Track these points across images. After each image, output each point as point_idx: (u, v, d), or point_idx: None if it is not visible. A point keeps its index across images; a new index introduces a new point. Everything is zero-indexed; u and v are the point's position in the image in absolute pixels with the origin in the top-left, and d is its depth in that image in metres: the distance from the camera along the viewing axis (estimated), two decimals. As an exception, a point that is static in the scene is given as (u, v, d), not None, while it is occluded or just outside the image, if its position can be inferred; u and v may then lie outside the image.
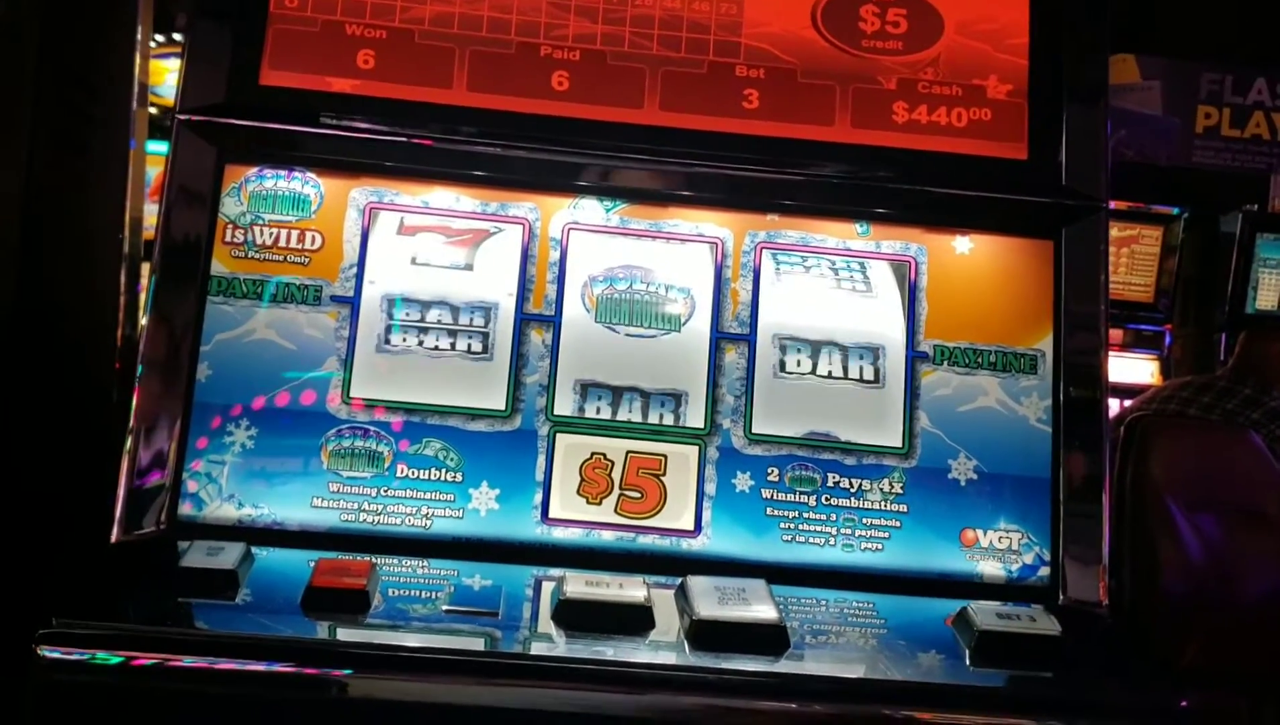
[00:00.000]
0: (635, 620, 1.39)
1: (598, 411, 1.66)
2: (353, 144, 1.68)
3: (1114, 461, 3.19)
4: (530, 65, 1.71)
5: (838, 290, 1.73)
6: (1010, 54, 1.76)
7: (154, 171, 2.30)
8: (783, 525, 1.64)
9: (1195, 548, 3.14)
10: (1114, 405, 4.77)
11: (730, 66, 1.73)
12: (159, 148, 2.33)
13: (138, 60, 2.03)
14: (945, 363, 1.71)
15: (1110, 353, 1.75)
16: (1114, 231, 5.55)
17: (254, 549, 1.50)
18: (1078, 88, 1.75)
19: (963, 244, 1.75)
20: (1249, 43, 6.23)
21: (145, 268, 1.92)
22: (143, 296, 2.03)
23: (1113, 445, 3.24)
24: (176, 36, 5.26)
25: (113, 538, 1.54)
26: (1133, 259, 5.65)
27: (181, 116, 1.65)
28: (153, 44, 2.19)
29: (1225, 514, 3.20)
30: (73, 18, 1.93)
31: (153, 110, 2.27)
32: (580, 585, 1.42)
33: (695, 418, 1.67)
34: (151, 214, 1.93)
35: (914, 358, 1.71)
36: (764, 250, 1.73)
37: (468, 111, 1.69)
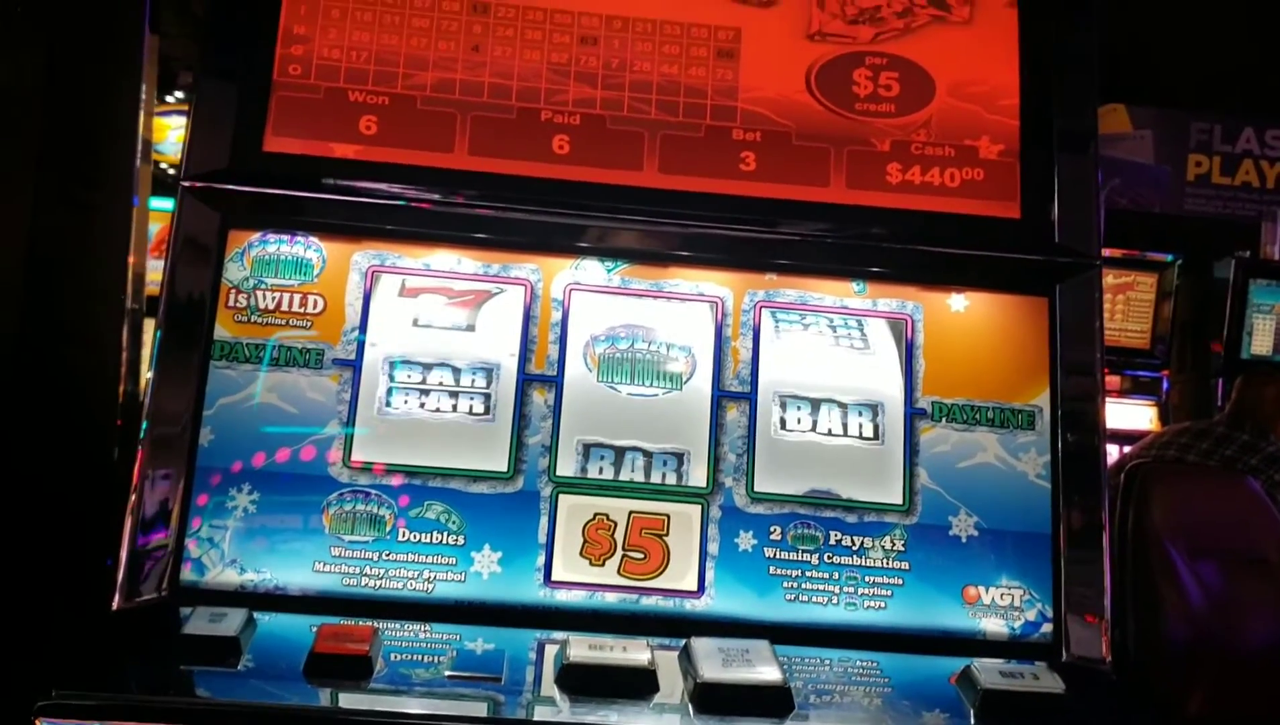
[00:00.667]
0: (639, 684, 1.39)
1: (600, 472, 1.67)
2: (355, 208, 1.70)
3: (1114, 510, 3.19)
4: (531, 129, 1.73)
5: (836, 348, 1.75)
6: (1001, 115, 1.79)
7: (156, 227, 2.32)
8: (786, 584, 1.64)
9: (1197, 595, 3.14)
10: (1113, 452, 4.77)
11: (727, 130, 1.75)
12: (161, 204, 2.35)
13: (141, 118, 2.05)
14: (944, 419, 1.72)
15: (1108, 399, 1.76)
16: (1109, 279, 5.60)
17: (256, 614, 1.49)
18: (1068, 147, 1.78)
19: (958, 301, 1.77)
20: (1235, 91, 6.31)
21: (147, 323, 1.93)
22: (145, 352, 2.04)
23: (1112, 493, 3.26)
24: (179, 95, 5.32)
25: (114, 604, 1.54)
26: (1128, 306, 5.69)
27: (185, 183, 1.67)
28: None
29: (1226, 561, 3.20)
30: (77, 77, 1.95)
31: (155, 167, 2.29)
32: (583, 649, 1.42)
33: (698, 477, 1.68)
34: (154, 270, 1.94)
35: (912, 414, 1.72)
36: (763, 309, 1.75)
37: (469, 175, 1.71)
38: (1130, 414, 5.56)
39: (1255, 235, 5.94)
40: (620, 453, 1.68)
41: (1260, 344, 5.57)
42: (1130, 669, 2.96)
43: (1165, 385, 5.71)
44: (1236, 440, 4.04)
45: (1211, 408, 5.46)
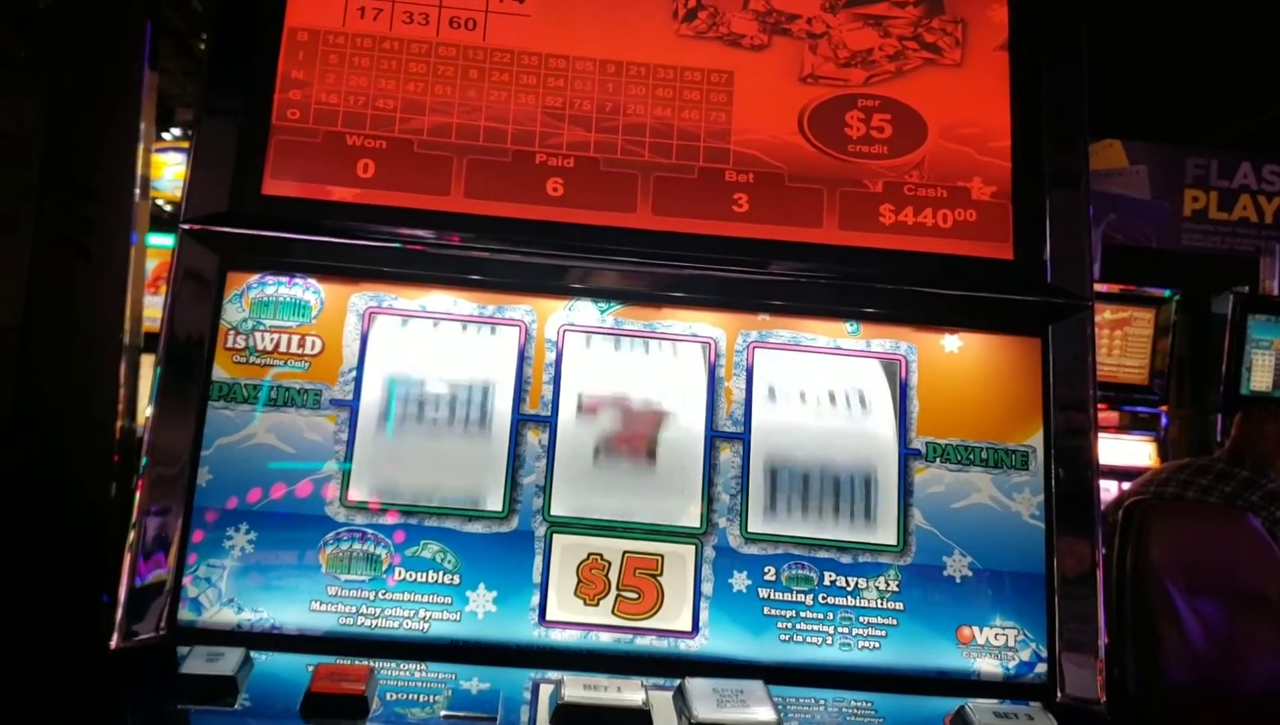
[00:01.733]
0: (634, 724, 1.39)
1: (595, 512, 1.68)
2: (353, 251, 1.71)
3: (1113, 547, 3.19)
4: (526, 172, 1.75)
5: (830, 389, 1.75)
6: (993, 156, 1.81)
7: (152, 263, 2.34)
8: (780, 625, 1.64)
9: (1198, 634, 3.13)
10: (1112, 487, 4.77)
11: (720, 172, 1.77)
12: (158, 241, 2.36)
13: (140, 155, 2.08)
14: (938, 460, 1.72)
15: (1107, 435, 1.77)
16: (1107, 314, 5.62)
17: (253, 654, 1.50)
18: (1060, 188, 1.79)
19: (952, 342, 1.78)
20: (1232, 125, 6.35)
21: (145, 360, 1.94)
22: (142, 387, 2.05)
23: (1111, 530, 3.26)
24: (176, 132, 5.38)
25: (112, 644, 1.54)
26: (1126, 341, 5.70)
27: (184, 225, 1.68)
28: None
29: (1226, 598, 3.19)
30: (78, 113, 1.97)
31: (152, 204, 2.31)
32: (578, 689, 1.42)
33: (691, 517, 1.68)
34: (151, 306, 1.96)
35: (907, 455, 1.72)
36: (756, 349, 1.76)
37: (465, 218, 1.72)
38: (1129, 450, 5.55)
39: (1253, 270, 5.97)
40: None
41: (1259, 380, 5.58)
42: (1129, 708, 2.95)
43: (1164, 421, 5.71)
44: (1236, 477, 4.05)
45: (1210, 443, 5.47)
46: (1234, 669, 3.10)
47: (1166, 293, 5.72)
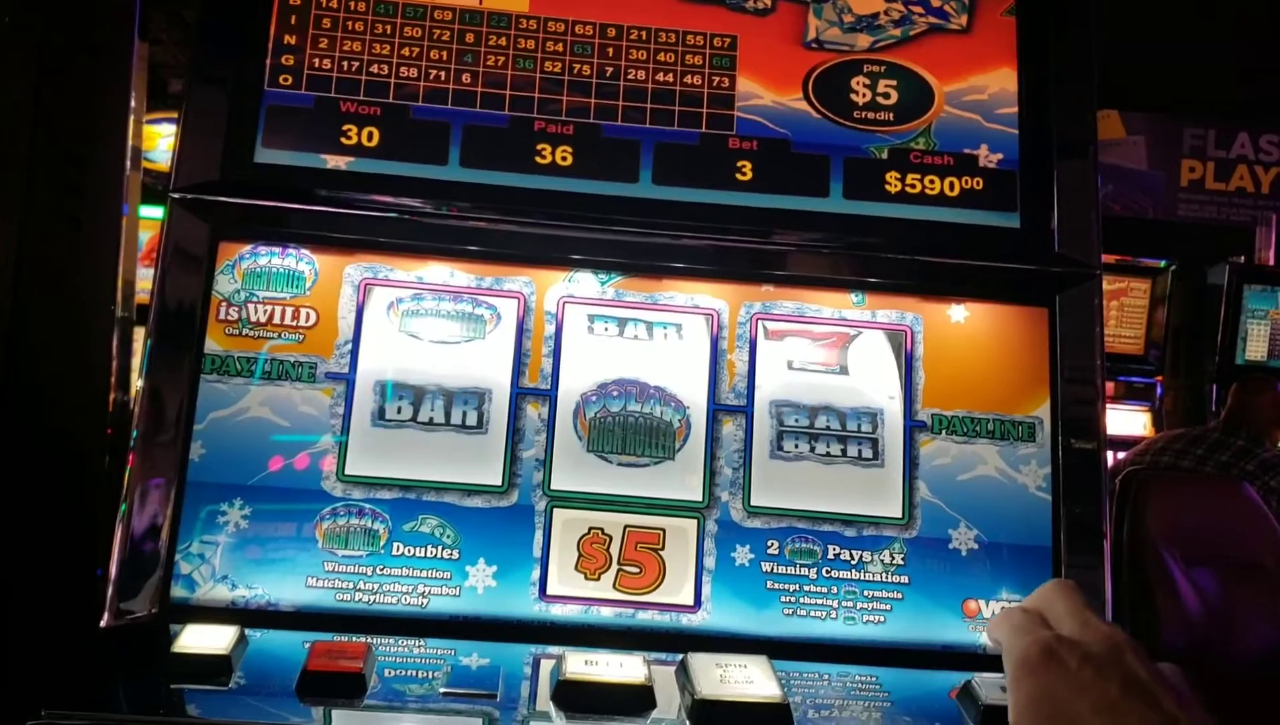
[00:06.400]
0: (636, 700, 1.37)
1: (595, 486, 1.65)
2: (347, 221, 1.68)
3: (1110, 517, 3.19)
4: (524, 140, 1.72)
5: (834, 360, 1.73)
6: (1000, 124, 1.78)
7: (146, 235, 2.30)
8: (784, 599, 1.63)
9: (1194, 602, 3.13)
10: (1107, 457, 4.77)
11: (723, 138, 1.74)
12: (151, 212, 2.33)
13: (131, 125, 2.04)
14: (943, 432, 1.70)
15: (1102, 406, 1.75)
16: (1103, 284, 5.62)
17: (248, 631, 1.48)
18: (1067, 156, 1.77)
19: (958, 312, 1.75)
20: (1229, 97, 6.32)
21: (137, 332, 1.91)
22: (135, 360, 2.03)
23: (1107, 499, 3.25)
24: (169, 103, 5.31)
25: (103, 622, 1.52)
26: (1122, 311, 5.70)
27: (175, 194, 1.65)
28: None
29: (1222, 567, 3.20)
30: (66, 84, 1.94)
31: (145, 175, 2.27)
32: (579, 665, 1.41)
33: (693, 491, 1.66)
34: (143, 278, 1.93)
35: (912, 427, 1.70)
36: (760, 321, 1.73)
37: (462, 186, 1.69)
38: (1124, 420, 5.57)
39: (1249, 240, 5.95)
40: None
41: (1255, 350, 5.58)
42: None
43: (1159, 391, 5.72)
44: (1231, 446, 4.05)
45: (1205, 413, 5.48)
46: (1229, 637, 3.11)
47: (1162, 263, 5.71)
